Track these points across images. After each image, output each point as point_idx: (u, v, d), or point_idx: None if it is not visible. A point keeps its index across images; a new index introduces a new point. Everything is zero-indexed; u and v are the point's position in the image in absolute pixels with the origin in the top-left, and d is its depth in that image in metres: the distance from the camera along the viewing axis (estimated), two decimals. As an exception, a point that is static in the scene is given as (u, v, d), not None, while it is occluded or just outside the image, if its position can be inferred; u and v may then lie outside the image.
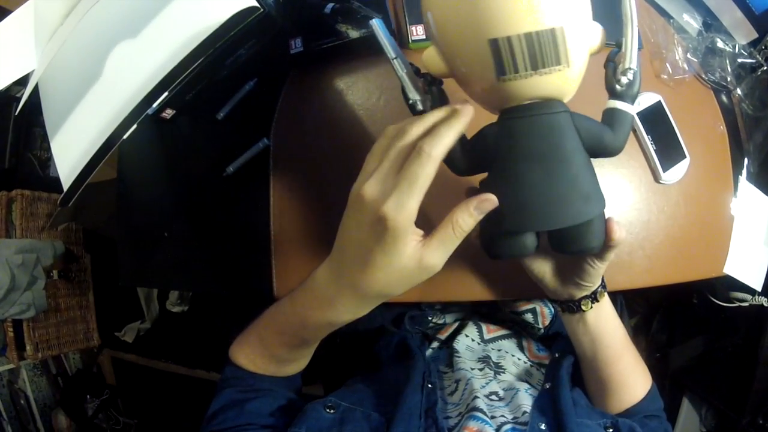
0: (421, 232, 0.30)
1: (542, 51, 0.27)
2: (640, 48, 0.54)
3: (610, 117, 0.32)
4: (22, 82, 0.47)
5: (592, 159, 0.32)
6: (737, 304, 0.64)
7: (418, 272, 0.30)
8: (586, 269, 0.37)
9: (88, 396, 1.34)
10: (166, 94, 0.41)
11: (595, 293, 0.40)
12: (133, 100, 0.40)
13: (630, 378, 0.43)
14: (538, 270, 0.41)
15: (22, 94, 0.46)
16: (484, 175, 0.32)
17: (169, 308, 1.38)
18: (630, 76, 0.31)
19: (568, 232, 0.32)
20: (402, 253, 0.28)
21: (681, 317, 0.92)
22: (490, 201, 0.29)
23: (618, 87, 0.31)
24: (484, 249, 0.34)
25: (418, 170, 0.27)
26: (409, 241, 0.28)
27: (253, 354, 0.41)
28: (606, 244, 0.33)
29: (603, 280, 0.41)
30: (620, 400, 0.43)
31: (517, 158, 0.30)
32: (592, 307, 0.40)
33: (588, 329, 0.42)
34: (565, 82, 0.29)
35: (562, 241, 0.33)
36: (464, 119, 0.29)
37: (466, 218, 0.29)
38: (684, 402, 0.88)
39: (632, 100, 0.32)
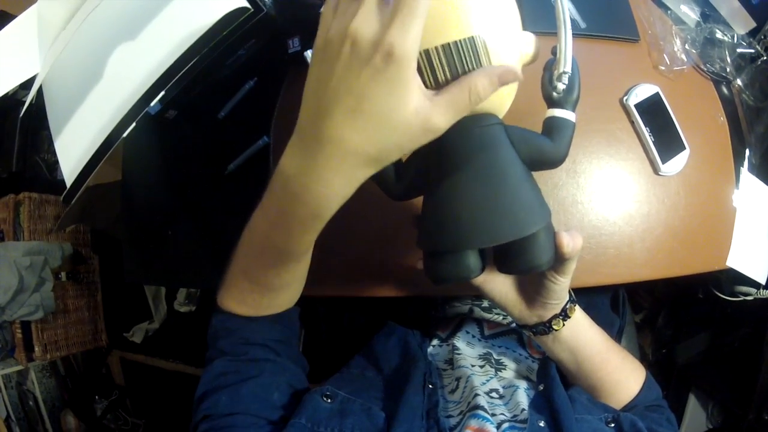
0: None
1: (462, 62, 0.26)
2: (636, 39, 0.54)
3: (549, 126, 0.30)
4: (28, 86, 0.48)
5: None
6: (742, 298, 0.63)
7: (420, 132, 0.25)
8: (548, 286, 0.36)
9: (96, 396, 1.36)
10: (163, 92, 0.42)
11: (564, 310, 0.39)
12: (132, 99, 0.41)
13: (621, 378, 0.43)
14: (499, 295, 0.39)
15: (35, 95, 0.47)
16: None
17: (177, 308, 1.40)
18: (565, 80, 0.30)
19: (511, 248, 0.30)
20: (409, 98, 0.24)
21: (687, 312, 0.91)
22: (515, 74, 0.25)
23: (555, 94, 0.30)
24: (427, 275, 0.32)
25: None
26: (418, 87, 0.24)
27: (241, 293, 0.37)
28: (561, 257, 0.32)
29: (571, 294, 0.40)
30: (616, 399, 0.43)
31: (450, 174, 0.29)
32: (564, 325, 0.39)
33: (565, 346, 0.41)
34: (493, 94, 0.27)
35: (507, 260, 0.31)
36: None
37: (486, 85, 0.25)
38: (690, 398, 0.87)
39: (572, 106, 0.30)
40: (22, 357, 1.14)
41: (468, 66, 0.26)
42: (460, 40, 0.26)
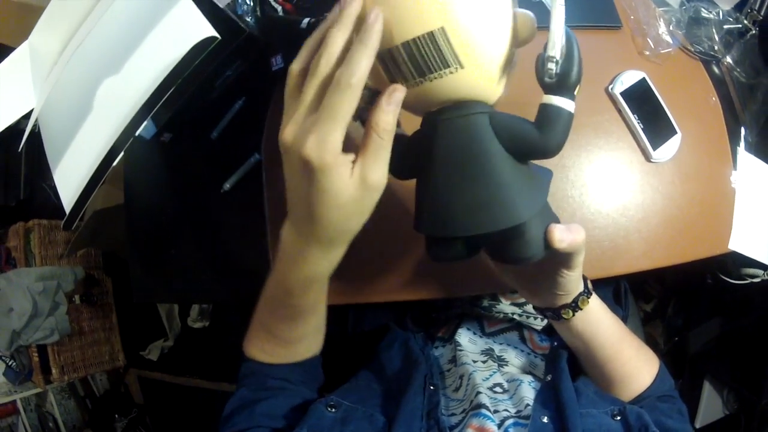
0: (351, 156, 0.27)
1: (424, 58, 0.25)
2: (618, 26, 0.54)
3: (541, 114, 0.28)
4: (30, 115, 0.50)
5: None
6: (749, 280, 0.62)
7: (367, 195, 0.27)
8: (555, 278, 0.35)
9: (116, 415, 1.38)
10: (147, 121, 0.44)
11: (576, 301, 0.38)
12: (119, 127, 0.43)
13: (633, 369, 0.42)
14: (513, 280, 0.40)
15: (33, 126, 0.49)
16: None
17: (191, 324, 1.42)
18: (551, 66, 0.27)
19: (497, 240, 0.30)
20: (340, 187, 0.26)
21: (697, 300, 0.89)
22: (398, 90, 0.26)
23: (546, 79, 0.28)
24: (427, 252, 0.33)
25: (338, 103, 0.25)
26: (342, 172, 0.26)
27: (261, 342, 0.41)
28: (557, 251, 0.31)
29: (587, 286, 0.39)
30: (627, 390, 0.42)
31: (432, 163, 0.29)
32: (574, 315, 0.39)
33: (577, 334, 0.40)
34: (471, 81, 0.26)
35: (495, 251, 0.31)
36: (375, 34, 0.25)
37: (383, 116, 0.26)
38: (705, 385, 0.85)
39: (569, 92, 0.28)
40: (39, 380, 1.17)
41: (431, 61, 0.25)
42: (418, 37, 0.25)
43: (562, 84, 0.28)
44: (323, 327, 0.42)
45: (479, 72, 0.26)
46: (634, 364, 0.42)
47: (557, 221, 0.31)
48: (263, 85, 0.57)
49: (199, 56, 0.40)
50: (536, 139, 0.28)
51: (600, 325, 0.40)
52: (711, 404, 0.85)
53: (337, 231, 0.29)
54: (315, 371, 0.44)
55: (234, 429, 0.38)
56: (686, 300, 0.92)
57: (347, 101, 0.25)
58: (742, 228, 0.53)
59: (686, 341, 0.87)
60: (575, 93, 0.28)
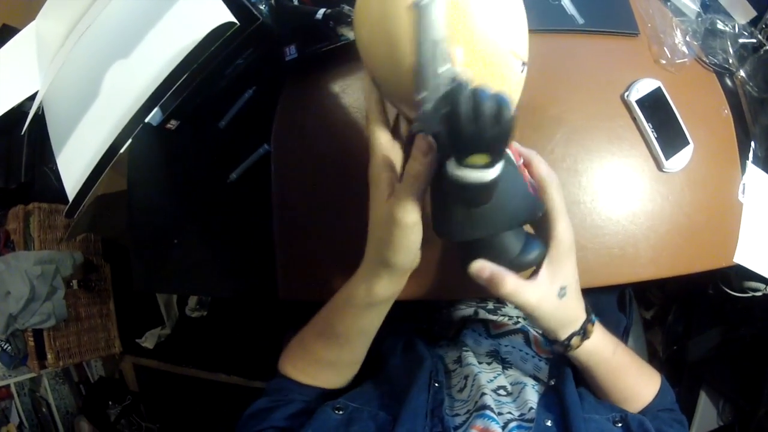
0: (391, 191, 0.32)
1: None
2: (636, 33, 0.53)
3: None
4: (34, 97, 0.49)
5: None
6: (751, 294, 0.62)
7: (398, 231, 0.31)
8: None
9: (110, 402, 1.38)
10: (157, 108, 0.43)
11: (569, 340, 0.37)
12: (128, 114, 0.42)
13: (636, 388, 0.42)
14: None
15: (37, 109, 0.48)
16: None
17: (189, 314, 1.42)
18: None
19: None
20: (376, 212, 0.32)
21: (697, 308, 0.89)
22: (432, 150, 0.29)
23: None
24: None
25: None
26: (415, 222, 0.31)
27: (296, 360, 0.43)
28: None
29: (590, 315, 0.38)
30: (629, 407, 0.42)
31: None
32: (568, 351, 0.38)
33: (580, 362, 0.40)
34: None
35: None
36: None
37: (415, 165, 0.30)
38: (701, 395, 0.86)
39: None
40: (34, 365, 1.16)
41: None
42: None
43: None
44: (356, 363, 0.44)
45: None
46: (637, 383, 0.43)
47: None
48: (275, 74, 0.56)
49: (215, 42, 0.40)
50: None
51: (602, 354, 0.40)
52: (707, 414, 0.85)
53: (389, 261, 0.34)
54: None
55: (248, 431, 0.39)
56: (687, 308, 0.92)
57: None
58: (748, 242, 0.53)
59: (685, 349, 0.88)
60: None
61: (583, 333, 0.38)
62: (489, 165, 0.24)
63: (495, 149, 0.23)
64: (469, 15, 0.27)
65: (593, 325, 0.38)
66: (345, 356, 0.43)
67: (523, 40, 0.31)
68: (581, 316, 0.38)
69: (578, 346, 0.38)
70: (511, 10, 0.30)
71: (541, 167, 0.36)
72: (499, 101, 0.21)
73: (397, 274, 0.35)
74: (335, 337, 0.40)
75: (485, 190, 0.26)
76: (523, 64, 0.30)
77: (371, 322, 0.40)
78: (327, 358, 0.42)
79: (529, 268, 0.35)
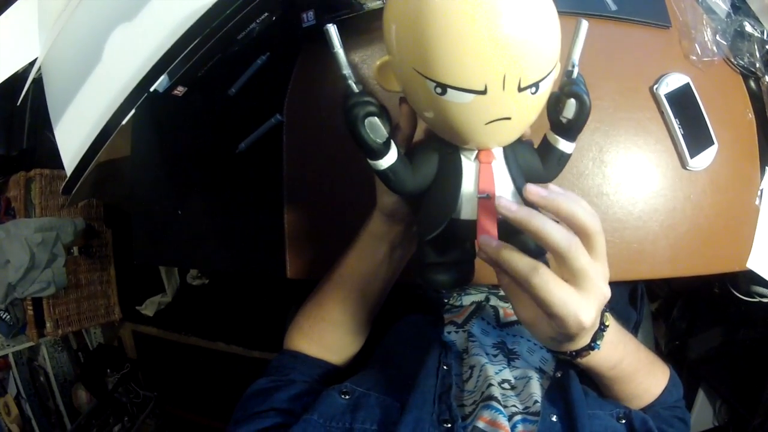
0: None
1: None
2: (668, 26, 0.51)
3: (546, 150, 0.31)
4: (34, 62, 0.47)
5: None
6: (758, 299, 0.62)
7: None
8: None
9: (108, 370, 1.38)
10: (164, 75, 0.41)
11: (571, 356, 0.35)
12: (130, 84, 0.40)
13: (640, 390, 0.42)
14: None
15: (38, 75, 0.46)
16: None
17: (190, 282, 1.41)
18: (569, 114, 0.28)
19: None
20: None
21: (702, 306, 0.89)
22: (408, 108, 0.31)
23: (561, 118, 0.29)
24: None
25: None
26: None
27: (303, 321, 0.44)
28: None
29: (603, 323, 0.35)
30: (636, 404, 0.42)
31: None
32: (572, 361, 0.36)
33: (586, 369, 0.39)
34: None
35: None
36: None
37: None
38: (699, 393, 0.87)
39: (574, 137, 0.30)
40: (33, 333, 1.14)
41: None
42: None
43: (572, 129, 0.29)
44: (361, 333, 0.45)
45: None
46: (646, 381, 0.42)
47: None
48: (290, 41, 0.54)
49: (230, 5, 0.37)
50: (540, 172, 0.32)
51: (612, 358, 0.38)
52: (702, 413, 0.86)
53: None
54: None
55: (248, 413, 0.38)
56: (691, 305, 0.92)
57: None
58: (762, 248, 0.52)
59: (687, 346, 0.88)
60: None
61: (591, 348, 0.36)
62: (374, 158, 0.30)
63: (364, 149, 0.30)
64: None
65: (602, 339, 0.36)
66: (349, 314, 0.43)
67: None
68: (595, 325, 0.35)
69: (585, 358, 0.36)
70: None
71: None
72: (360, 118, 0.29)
73: (384, 213, 0.38)
74: (341, 284, 0.43)
75: (384, 177, 0.31)
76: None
77: (371, 264, 0.42)
78: (332, 317, 0.43)
79: None
